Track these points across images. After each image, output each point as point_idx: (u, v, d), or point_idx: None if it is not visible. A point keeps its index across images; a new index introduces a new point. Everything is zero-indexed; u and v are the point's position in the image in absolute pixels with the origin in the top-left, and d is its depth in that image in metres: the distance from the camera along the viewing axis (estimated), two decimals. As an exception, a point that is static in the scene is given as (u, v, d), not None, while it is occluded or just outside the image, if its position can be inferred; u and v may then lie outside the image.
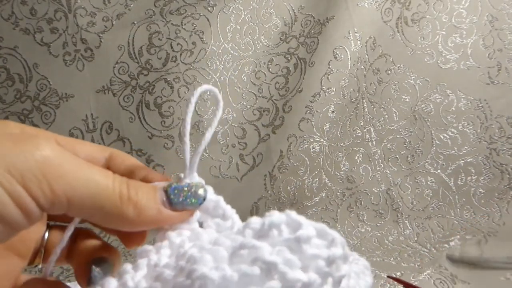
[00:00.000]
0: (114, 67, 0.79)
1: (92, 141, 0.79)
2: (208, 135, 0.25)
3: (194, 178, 0.25)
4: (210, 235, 0.23)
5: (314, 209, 0.82)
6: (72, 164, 0.20)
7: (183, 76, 0.81)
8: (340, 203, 0.82)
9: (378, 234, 0.79)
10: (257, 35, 0.83)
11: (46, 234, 0.26)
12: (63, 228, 0.26)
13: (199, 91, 0.24)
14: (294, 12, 0.84)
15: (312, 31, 0.84)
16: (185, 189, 0.23)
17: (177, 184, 0.23)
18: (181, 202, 0.22)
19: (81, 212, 0.21)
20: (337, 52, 0.83)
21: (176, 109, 0.81)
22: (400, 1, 0.84)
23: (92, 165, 0.21)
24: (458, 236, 0.76)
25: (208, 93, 0.82)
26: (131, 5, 0.78)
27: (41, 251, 0.26)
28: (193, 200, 0.23)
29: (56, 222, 0.27)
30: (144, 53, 0.79)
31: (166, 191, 0.22)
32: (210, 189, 0.24)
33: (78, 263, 0.25)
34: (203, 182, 0.24)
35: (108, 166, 0.26)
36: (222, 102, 0.26)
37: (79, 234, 0.26)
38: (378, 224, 0.81)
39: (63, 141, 0.25)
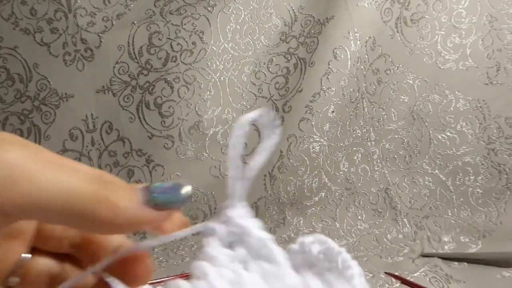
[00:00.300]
0: (114, 67, 0.79)
1: (92, 141, 0.79)
2: (260, 160, 0.22)
3: (242, 209, 0.22)
4: (254, 283, 0.20)
5: (313, 208, 0.82)
6: (39, 163, 0.18)
7: (183, 76, 0.81)
8: (339, 203, 0.83)
9: (377, 232, 0.80)
10: (257, 35, 0.83)
11: (28, 256, 0.23)
12: (49, 254, 0.24)
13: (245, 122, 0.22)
14: (294, 12, 0.84)
15: (312, 31, 0.84)
16: (167, 186, 0.21)
17: (158, 183, 0.22)
18: (163, 201, 0.21)
19: (52, 216, 0.19)
20: (337, 52, 0.83)
21: (176, 109, 0.81)
22: (400, 1, 0.84)
23: (63, 161, 0.19)
24: (453, 234, 0.77)
25: (208, 93, 0.83)
26: (131, 5, 0.78)
27: (18, 275, 0.23)
28: (176, 198, 0.21)
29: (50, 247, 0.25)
30: (144, 53, 0.79)
31: (147, 189, 0.20)
32: (254, 224, 0.22)
33: None
34: (245, 211, 0.23)
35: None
36: (279, 129, 0.23)
37: (68, 263, 0.24)
38: (377, 222, 0.81)
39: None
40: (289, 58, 0.84)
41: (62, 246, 0.24)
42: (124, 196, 0.20)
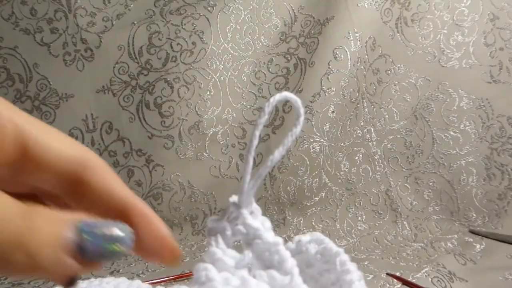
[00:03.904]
0: (114, 67, 0.79)
1: (92, 141, 0.79)
2: (278, 155, 0.20)
3: (251, 207, 0.21)
4: None
5: (313, 208, 0.81)
6: None
7: (183, 76, 0.81)
8: (339, 203, 0.82)
9: (377, 233, 0.79)
10: (257, 35, 0.83)
11: None
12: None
13: (277, 99, 0.20)
14: (294, 12, 0.84)
15: (312, 31, 0.84)
16: (103, 232, 0.17)
17: (93, 222, 0.17)
18: (94, 254, 0.16)
19: None
20: (337, 52, 0.83)
21: (176, 109, 0.81)
22: (400, 1, 0.84)
23: None
24: (456, 236, 0.76)
25: (208, 93, 0.82)
26: (131, 5, 0.78)
27: None
28: (111, 251, 0.16)
29: None
30: (144, 53, 0.79)
31: (77, 231, 0.16)
32: (265, 225, 0.20)
33: None
34: (256, 210, 0.21)
35: (81, 174, 0.19)
36: (303, 116, 0.21)
37: None
38: (377, 224, 0.81)
39: (28, 123, 0.18)
40: (289, 58, 0.84)
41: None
42: (45, 239, 0.16)
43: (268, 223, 0.21)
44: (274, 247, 0.20)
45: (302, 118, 0.21)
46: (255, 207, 0.21)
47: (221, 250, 0.20)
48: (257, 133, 0.20)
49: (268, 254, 0.20)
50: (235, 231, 0.20)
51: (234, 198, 0.21)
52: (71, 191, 0.19)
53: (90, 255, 0.16)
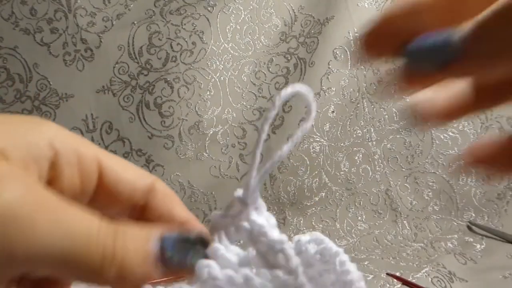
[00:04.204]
0: (114, 67, 0.79)
1: (92, 141, 0.79)
2: (286, 149, 0.19)
3: (257, 203, 0.20)
4: None
5: (313, 208, 0.82)
6: (45, 216, 0.16)
7: (183, 76, 0.81)
8: (339, 203, 0.82)
9: (377, 232, 0.79)
10: (257, 35, 0.83)
11: None
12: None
13: (289, 92, 0.19)
14: (294, 12, 0.84)
15: (312, 31, 0.84)
16: (186, 242, 0.18)
17: (175, 234, 0.18)
18: (179, 262, 0.18)
19: (50, 273, 0.17)
20: (337, 52, 0.83)
21: (176, 109, 0.81)
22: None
23: (71, 209, 0.17)
24: (456, 236, 0.76)
25: (208, 93, 0.83)
26: (131, 5, 0.78)
27: None
28: (194, 259, 0.18)
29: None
30: (144, 53, 0.79)
31: (161, 243, 0.18)
32: (270, 222, 0.19)
33: None
34: (262, 206, 0.20)
35: (146, 200, 0.21)
36: (314, 112, 0.20)
37: None
38: (377, 223, 0.81)
39: (105, 158, 0.20)
40: (289, 58, 0.84)
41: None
42: (134, 254, 0.17)
43: (273, 220, 0.20)
44: (279, 245, 0.19)
45: (313, 114, 0.20)
46: (260, 203, 0.20)
47: (224, 246, 0.19)
48: (266, 127, 0.19)
49: (272, 252, 0.19)
50: (239, 228, 0.19)
51: (239, 193, 0.20)
52: (137, 215, 0.21)
53: (175, 265, 0.18)
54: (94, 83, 0.78)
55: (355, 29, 0.84)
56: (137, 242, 0.17)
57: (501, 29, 0.15)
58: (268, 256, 0.19)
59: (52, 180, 0.19)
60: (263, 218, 0.20)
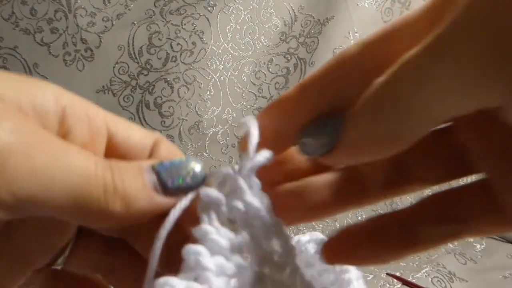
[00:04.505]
0: (114, 67, 0.79)
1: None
2: None
3: (250, 181, 0.19)
4: None
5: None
6: (43, 152, 0.15)
7: (183, 76, 0.81)
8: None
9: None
10: (257, 35, 0.83)
11: (74, 238, 0.22)
12: (98, 236, 0.22)
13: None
14: (294, 12, 0.84)
15: (312, 31, 0.84)
16: (179, 167, 0.19)
17: (167, 161, 0.19)
18: (176, 186, 0.18)
19: (55, 214, 0.16)
20: (337, 52, 0.83)
21: (176, 109, 0.81)
22: (400, 1, 0.84)
23: (68, 146, 0.16)
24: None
25: (208, 93, 0.82)
26: (131, 5, 0.78)
27: (65, 255, 0.21)
28: (190, 181, 0.18)
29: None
30: (144, 53, 0.79)
31: (156, 172, 0.18)
32: (265, 203, 0.18)
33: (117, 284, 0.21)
34: (256, 185, 0.19)
35: (151, 156, 0.22)
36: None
37: (120, 251, 0.22)
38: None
39: (113, 120, 0.21)
40: (289, 58, 0.84)
41: (110, 230, 0.21)
42: (133, 184, 0.17)
43: (267, 201, 0.18)
44: (275, 228, 0.18)
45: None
46: (254, 181, 0.18)
47: (215, 229, 0.17)
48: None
49: (267, 236, 0.18)
50: (232, 208, 0.18)
51: (232, 169, 0.18)
52: None
53: (174, 190, 0.18)
54: (94, 83, 0.78)
55: (355, 29, 0.84)
56: (133, 173, 0.18)
57: (367, 122, 0.16)
58: (261, 241, 0.18)
59: (63, 137, 0.18)
60: (257, 199, 0.18)
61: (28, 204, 0.15)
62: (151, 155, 0.22)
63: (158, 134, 0.23)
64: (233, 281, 0.17)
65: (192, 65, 0.81)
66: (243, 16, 0.82)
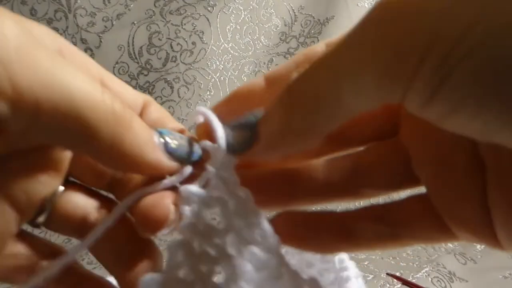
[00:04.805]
0: (114, 67, 0.79)
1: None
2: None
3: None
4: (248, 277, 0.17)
5: (314, 208, 0.81)
6: (47, 55, 0.15)
7: (183, 76, 0.81)
8: (339, 203, 0.82)
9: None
10: (257, 35, 0.83)
11: (61, 189, 0.20)
12: (84, 190, 0.21)
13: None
14: (294, 12, 0.84)
15: (312, 31, 0.84)
16: (180, 138, 0.19)
17: (169, 130, 0.19)
18: (176, 151, 0.19)
19: (58, 128, 0.15)
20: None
21: (176, 109, 0.81)
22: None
23: (75, 67, 0.16)
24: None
25: (208, 93, 0.82)
26: (131, 5, 0.78)
27: (47, 211, 0.20)
28: (187, 154, 0.19)
29: (78, 180, 0.21)
30: (144, 53, 0.79)
31: (162, 137, 0.18)
32: (246, 194, 0.19)
33: (101, 252, 0.21)
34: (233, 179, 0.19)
35: (142, 114, 0.22)
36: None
37: (105, 205, 0.21)
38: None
39: (107, 76, 0.21)
40: (289, 58, 0.84)
41: (101, 181, 0.21)
42: (144, 132, 0.17)
43: (247, 192, 0.18)
44: (256, 221, 0.18)
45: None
46: (233, 175, 0.18)
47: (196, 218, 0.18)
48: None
49: (249, 228, 0.18)
50: (212, 200, 0.18)
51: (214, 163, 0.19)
52: None
53: (178, 154, 0.18)
54: (94, 83, 0.78)
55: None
56: (143, 125, 0.18)
57: (283, 116, 0.17)
58: (243, 232, 0.18)
59: None
60: (238, 191, 0.18)
61: (27, 104, 0.14)
62: (141, 115, 0.22)
63: (147, 96, 0.23)
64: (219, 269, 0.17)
65: (192, 65, 0.81)
66: (243, 16, 0.82)
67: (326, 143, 0.20)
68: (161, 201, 0.19)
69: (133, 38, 0.79)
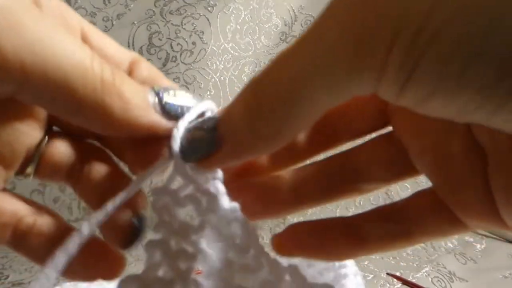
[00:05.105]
0: (114, 67, 0.79)
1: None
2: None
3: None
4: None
5: (314, 208, 0.82)
6: (32, 17, 0.14)
7: (183, 76, 0.81)
8: (339, 203, 0.82)
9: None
10: (257, 35, 0.83)
11: (45, 140, 0.20)
12: (69, 138, 0.21)
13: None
14: (294, 12, 0.84)
15: (312, 31, 0.84)
16: (176, 93, 0.19)
17: (165, 87, 0.19)
18: (174, 107, 0.18)
19: (42, 91, 0.15)
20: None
21: (176, 109, 0.81)
22: (400, 0, 0.84)
23: (62, 28, 0.15)
24: (456, 236, 0.76)
25: (208, 93, 0.82)
26: (131, 5, 0.78)
27: (34, 161, 0.20)
28: (186, 110, 0.19)
29: (60, 129, 0.21)
30: (144, 53, 0.79)
31: (156, 94, 0.18)
32: (219, 190, 0.19)
33: (88, 194, 0.20)
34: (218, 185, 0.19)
35: (131, 71, 0.21)
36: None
37: (91, 151, 0.21)
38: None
39: (89, 27, 0.20)
40: (289, 58, 0.84)
41: (85, 131, 0.21)
42: (135, 93, 0.17)
43: (222, 187, 0.18)
44: (232, 213, 0.18)
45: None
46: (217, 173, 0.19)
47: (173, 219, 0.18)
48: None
49: (225, 222, 0.18)
50: (188, 198, 0.18)
51: (176, 151, 0.18)
52: None
53: (173, 112, 0.18)
54: (94, 83, 0.78)
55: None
56: (134, 84, 0.17)
57: (248, 123, 0.16)
58: (221, 227, 0.18)
59: None
60: (214, 187, 0.18)
61: (13, 68, 0.14)
62: (130, 73, 0.21)
63: (135, 53, 0.22)
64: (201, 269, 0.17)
65: (192, 65, 0.81)
66: (243, 16, 0.82)
67: (316, 141, 0.20)
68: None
69: (133, 38, 0.79)
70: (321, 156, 0.22)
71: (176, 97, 0.18)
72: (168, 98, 0.18)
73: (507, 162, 0.16)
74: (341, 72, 0.14)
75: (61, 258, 0.16)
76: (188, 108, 0.18)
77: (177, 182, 0.19)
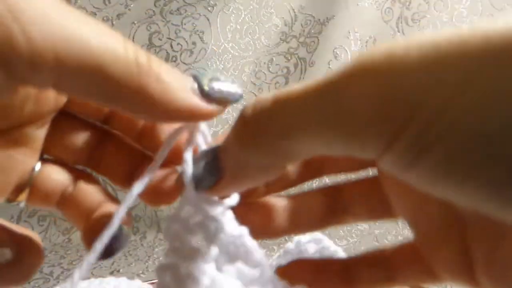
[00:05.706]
0: (114, 67, 0.79)
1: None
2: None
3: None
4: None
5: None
6: (61, 9, 0.14)
7: (183, 76, 0.81)
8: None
9: (377, 232, 0.79)
10: (257, 35, 0.83)
11: (38, 166, 0.20)
12: (60, 165, 0.21)
13: None
14: (294, 12, 0.84)
15: (312, 31, 0.84)
16: (218, 77, 0.18)
17: (206, 72, 0.19)
18: (215, 91, 0.17)
19: (79, 79, 0.14)
20: (337, 52, 0.83)
21: (176, 109, 0.81)
22: (401, 0, 0.84)
23: (95, 20, 0.15)
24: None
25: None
26: (131, 5, 0.78)
27: (27, 188, 0.20)
28: (227, 93, 0.18)
29: (52, 156, 0.21)
30: (144, 53, 0.79)
31: (196, 79, 0.17)
32: (226, 214, 0.19)
33: (78, 215, 0.20)
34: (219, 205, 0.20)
35: None
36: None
37: (81, 177, 0.21)
38: (377, 223, 0.81)
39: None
40: (289, 58, 0.84)
41: (98, 114, 0.21)
42: (175, 79, 0.16)
43: (230, 214, 0.19)
44: (238, 239, 0.18)
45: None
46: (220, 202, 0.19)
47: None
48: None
49: (233, 246, 0.19)
50: (194, 227, 0.19)
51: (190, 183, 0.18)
52: None
53: (213, 95, 0.17)
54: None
55: (355, 29, 0.84)
56: (171, 69, 0.17)
57: (247, 155, 0.16)
58: (229, 250, 0.19)
59: None
60: (218, 209, 0.18)
61: (47, 60, 0.13)
62: None
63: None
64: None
65: (192, 65, 0.81)
66: (243, 16, 0.82)
67: (303, 172, 0.22)
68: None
69: (133, 38, 0.79)
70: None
71: (215, 82, 0.18)
72: (207, 81, 0.17)
73: (485, 229, 0.16)
74: (340, 138, 0.13)
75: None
76: (229, 93, 0.18)
77: (187, 210, 0.19)
